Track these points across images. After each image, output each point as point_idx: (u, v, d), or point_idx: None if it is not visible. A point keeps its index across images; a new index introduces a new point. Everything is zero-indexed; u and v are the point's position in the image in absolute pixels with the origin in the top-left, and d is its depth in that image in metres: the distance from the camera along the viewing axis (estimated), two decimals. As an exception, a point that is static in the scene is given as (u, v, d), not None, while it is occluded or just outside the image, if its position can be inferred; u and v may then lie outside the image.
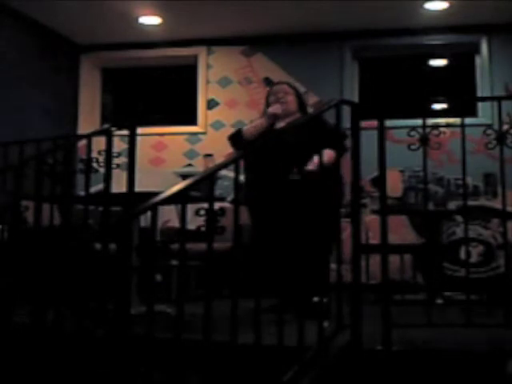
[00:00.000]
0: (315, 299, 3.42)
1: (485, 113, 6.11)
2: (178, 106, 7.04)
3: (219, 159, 5.67)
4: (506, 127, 3.02)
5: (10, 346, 2.96)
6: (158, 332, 2.25)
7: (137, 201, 2.31)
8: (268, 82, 6.54)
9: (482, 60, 6.37)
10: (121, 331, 2.18)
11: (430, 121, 3.16)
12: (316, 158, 3.40)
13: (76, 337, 2.90)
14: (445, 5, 5.87)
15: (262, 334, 2.41)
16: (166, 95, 7.06)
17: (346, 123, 3.03)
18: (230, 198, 5.44)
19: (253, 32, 6.53)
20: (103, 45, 6.85)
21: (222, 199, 4.87)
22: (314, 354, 2.59)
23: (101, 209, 3.64)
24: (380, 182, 3.00)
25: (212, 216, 2.29)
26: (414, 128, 3.00)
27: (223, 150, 5.80)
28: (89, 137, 3.47)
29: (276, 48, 6.66)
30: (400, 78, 6.70)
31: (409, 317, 3.16)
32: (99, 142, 3.46)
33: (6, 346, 2.95)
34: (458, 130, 3.17)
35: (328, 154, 3.30)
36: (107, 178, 3.41)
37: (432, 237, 5.18)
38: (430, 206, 5.98)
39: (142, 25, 6.33)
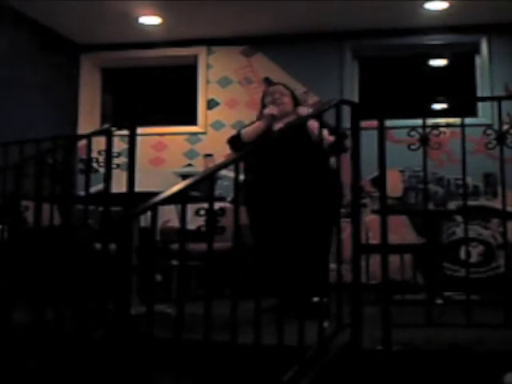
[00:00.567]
0: (315, 299, 3.42)
1: (485, 113, 6.12)
2: (178, 106, 7.04)
3: (219, 159, 5.67)
4: (505, 127, 3.02)
5: (10, 346, 2.96)
6: (158, 332, 2.25)
7: (137, 201, 2.31)
8: (268, 81, 6.54)
9: (482, 60, 6.37)
10: (120, 331, 2.18)
11: (430, 121, 3.16)
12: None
13: (76, 337, 2.90)
14: (445, 5, 5.87)
15: (262, 334, 2.41)
16: (166, 95, 7.06)
17: (346, 123, 3.03)
18: (230, 198, 5.44)
19: (253, 32, 6.53)
20: (103, 45, 6.85)
21: (221, 199, 4.87)
22: (314, 354, 2.59)
23: (101, 209, 3.64)
24: (380, 182, 3.00)
25: (212, 216, 2.29)
26: (413, 128, 3.00)
27: (223, 150, 5.78)
28: (89, 137, 3.47)
29: (276, 48, 6.66)
30: (400, 77, 6.70)
31: (409, 317, 3.16)
32: (99, 142, 3.46)
33: (6, 346, 2.95)
34: (458, 130, 3.17)
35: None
36: (107, 178, 3.41)
37: (432, 237, 5.18)
38: (430, 206, 5.98)
39: (142, 25, 6.33)
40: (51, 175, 3.32)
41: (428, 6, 5.88)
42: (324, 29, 6.44)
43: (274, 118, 3.98)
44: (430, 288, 4.47)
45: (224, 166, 2.47)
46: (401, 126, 4.06)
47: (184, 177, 5.31)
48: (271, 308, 2.91)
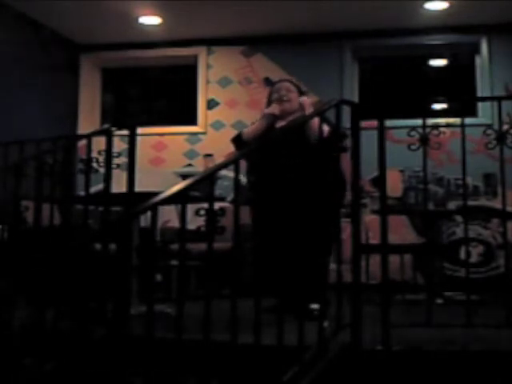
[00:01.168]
0: (314, 306, 3.42)
1: (485, 113, 6.12)
2: (178, 106, 7.04)
3: (219, 159, 5.67)
4: (505, 127, 3.02)
5: (9, 345, 2.96)
6: (158, 332, 2.25)
7: (137, 201, 2.31)
8: (268, 81, 6.54)
9: (482, 60, 6.37)
10: (120, 331, 2.18)
11: (430, 121, 3.16)
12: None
13: (76, 337, 2.90)
14: (445, 5, 5.87)
15: (261, 334, 2.41)
16: (166, 95, 7.06)
17: (346, 123, 3.03)
18: (230, 198, 5.43)
19: (253, 32, 6.53)
20: (103, 45, 6.85)
21: (222, 199, 4.87)
22: (313, 354, 2.59)
23: (101, 209, 3.64)
24: (380, 182, 3.00)
25: (212, 216, 2.29)
26: (413, 128, 3.00)
27: (223, 149, 5.81)
28: (89, 137, 3.47)
29: (276, 48, 6.66)
30: (400, 78, 6.71)
31: (409, 317, 3.16)
32: (99, 142, 3.46)
33: (6, 346, 2.95)
34: (458, 129, 3.17)
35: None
36: (107, 178, 3.41)
37: (432, 237, 5.18)
38: (430, 206, 5.98)
39: (142, 25, 6.33)
40: (51, 175, 3.32)
41: (428, 5, 5.88)
42: (324, 29, 6.44)
43: (275, 117, 3.95)
44: (430, 288, 4.46)
45: (224, 165, 2.47)
46: (401, 126, 4.06)
47: (184, 177, 5.31)
48: (271, 308, 2.91)
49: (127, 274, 3.33)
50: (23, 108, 5.96)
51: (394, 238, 3.21)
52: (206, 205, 2.32)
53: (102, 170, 3.44)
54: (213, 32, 6.57)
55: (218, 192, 4.15)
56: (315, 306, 3.41)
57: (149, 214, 2.20)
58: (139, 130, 3.79)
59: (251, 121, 4.34)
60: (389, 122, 3.10)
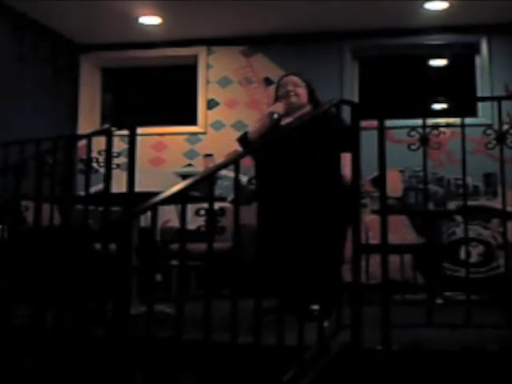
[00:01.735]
0: (314, 307, 3.41)
1: (485, 113, 6.12)
2: (178, 106, 7.04)
3: (219, 159, 5.67)
4: (505, 127, 3.02)
5: (9, 345, 2.96)
6: (158, 332, 2.25)
7: (137, 201, 2.30)
8: (268, 81, 6.54)
9: (482, 60, 6.37)
10: (120, 331, 2.18)
11: (430, 121, 3.16)
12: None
13: (76, 337, 2.90)
14: (445, 5, 5.87)
15: (261, 334, 2.41)
16: (166, 95, 7.06)
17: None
18: (230, 198, 5.43)
19: (253, 32, 6.53)
20: (103, 45, 6.85)
21: (222, 199, 4.87)
22: (314, 354, 2.59)
23: (101, 209, 3.64)
24: (380, 181, 3.00)
25: (212, 216, 2.29)
26: (413, 128, 3.00)
27: (223, 149, 5.82)
28: (89, 137, 3.47)
29: (276, 48, 6.66)
30: (400, 78, 6.70)
31: (409, 317, 3.16)
32: (99, 142, 3.46)
33: (6, 346, 2.95)
34: (458, 130, 3.17)
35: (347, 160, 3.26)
36: (107, 178, 3.41)
37: (432, 237, 5.18)
38: (430, 206, 5.98)
39: (142, 25, 6.33)
40: (51, 175, 3.32)
41: (428, 5, 5.88)
42: (324, 29, 6.44)
43: (278, 116, 3.81)
44: (430, 288, 4.47)
45: (224, 165, 2.47)
46: (401, 126, 4.06)
47: (184, 177, 5.31)
48: (272, 309, 2.90)
49: (127, 274, 3.33)
50: (23, 108, 5.95)
51: (394, 238, 3.21)
52: (206, 205, 2.32)
53: (102, 170, 3.44)
54: (213, 32, 6.57)
55: (218, 192, 4.15)
56: (316, 307, 3.40)
57: (149, 214, 2.20)
58: (139, 130, 3.78)
59: (251, 121, 4.33)
60: (389, 122, 3.10)
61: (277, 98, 3.99)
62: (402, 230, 5.96)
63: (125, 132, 3.61)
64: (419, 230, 6.04)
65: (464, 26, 6.27)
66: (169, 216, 5.31)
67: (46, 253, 3.32)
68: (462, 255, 5.98)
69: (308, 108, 3.93)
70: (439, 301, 4.75)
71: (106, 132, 3.47)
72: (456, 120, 5.38)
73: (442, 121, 5.51)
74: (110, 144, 3.42)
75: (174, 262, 4.81)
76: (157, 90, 7.11)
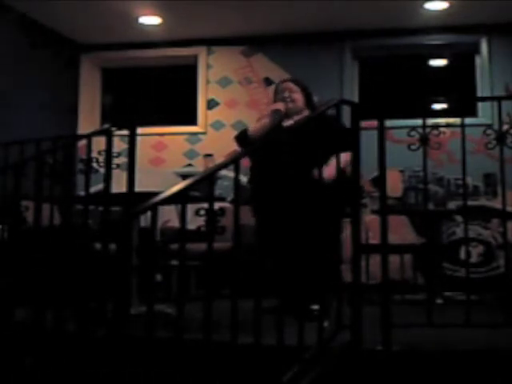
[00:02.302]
0: (314, 307, 3.40)
1: (485, 113, 6.12)
2: (178, 106, 7.04)
3: (219, 159, 5.67)
4: (505, 127, 3.02)
5: (10, 345, 2.96)
6: (158, 332, 2.25)
7: (137, 201, 2.30)
8: (268, 81, 6.54)
9: (482, 60, 6.37)
10: (120, 331, 2.18)
11: (430, 121, 3.16)
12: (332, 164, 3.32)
13: (76, 336, 2.90)
14: (445, 5, 5.87)
15: (262, 334, 2.41)
16: (166, 95, 7.06)
17: (347, 123, 3.03)
18: (230, 198, 5.43)
19: (253, 32, 6.53)
20: (103, 45, 6.85)
21: (222, 199, 4.87)
22: (313, 354, 2.59)
23: (101, 209, 3.64)
24: (380, 181, 3.00)
25: (212, 216, 2.29)
26: (414, 128, 3.00)
27: (223, 149, 5.82)
28: (89, 137, 3.47)
29: (276, 48, 6.66)
30: (400, 77, 6.70)
31: (409, 317, 3.16)
32: (99, 142, 3.46)
33: (6, 346, 2.95)
34: (458, 129, 3.17)
35: (344, 157, 3.25)
36: (107, 178, 3.41)
37: (432, 237, 5.18)
38: (430, 206, 5.98)
39: (142, 25, 6.33)
40: (51, 175, 3.32)
41: (428, 5, 5.88)
42: (324, 29, 6.44)
43: (280, 114, 3.88)
44: (430, 288, 4.47)
45: (224, 165, 2.47)
46: (401, 126, 4.05)
47: (184, 177, 5.31)
48: (272, 309, 2.91)
49: (127, 274, 3.33)
50: (23, 108, 5.95)
51: (394, 238, 3.21)
52: (206, 205, 2.32)
53: (102, 170, 3.44)
54: (213, 32, 6.57)
55: (217, 192, 4.15)
56: (316, 307, 3.40)
57: (149, 214, 2.20)
58: (139, 130, 3.78)
59: (251, 121, 4.33)
60: (389, 122, 3.10)
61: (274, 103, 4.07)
62: (401, 230, 5.96)
63: (125, 132, 3.61)
64: (419, 230, 6.04)
65: (464, 25, 6.26)
66: (169, 216, 5.30)
67: (46, 253, 3.32)
68: (462, 255, 5.98)
69: (305, 113, 3.97)
70: (439, 301, 4.75)
71: (106, 132, 3.47)
72: (456, 120, 5.38)
73: (441, 121, 5.51)
74: (110, 144, 3.42)
75: (174, 262, 4.81)
76: (157, 89, 7.11)
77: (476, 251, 6.02)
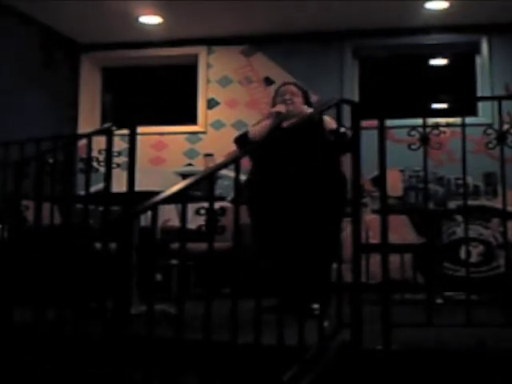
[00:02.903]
0: (315, 306, 3.41)
1: (485, 112, 6.12)
2: (179, 106, 7.04)
3: (219, 159, 5.67)
4: (506, 127, 3.02)
5: (10, 345, 2.96)
6: (158, 331, 2.25)
7: (137, 200, 2.30)
8: (268, 81, 6.54)
9: (482, 60, 6.37)
10: (120, 331, 2.18)
11: (431, 120, 3.15)
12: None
13: (76, 336, 2.90)
14: (445, 5, 5.87)
15: (262, 334, 2.40)
16: (167, 95, 7.06)
17: (347, 123, 3.03)
18: (230, 197, 5.43)
19: (253, 32, 6.53)
20: (103, 44, 6.85)
21: (222, 199, 4.87)
22: (314, 354, 2.59)
23: (101, 208, 3.64)
24: (380, 181, 3.00)
25: (212, 215, 2.29)
26: (414, 128, 2.99)
27: (223, 149, 5.82)
28: (89, 136, 3.47)
29: (276, 48, 6.66)
30: (400, 77, 6.70)
31: (409, 317, 3.16)
32: (99, 142, 3.46)
33: (6, 345, 2.95)
34: (459, 129, 3.17)
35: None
36: (107, 178, 3.41)
37: (432, 236, 5.18)
38: (431, 206, 5.98)
39: (143, 24, 6.33)
40: (51, 175, 3.32)
41: (428, 5, 5.88)
42: (324, 28, 6.44)
43: (281, 116, 3.87)
44: (430, 288, 4.47)
45: (224, 165, 2.47)
46: (401, 125, 4.06)
47: (184, 176, 5.31)
48: (271, 308, 2.91)
49: (127, 274, 3.33)
50: (23, 108, 5.95)
51: (394, 238, 3.21)
52: (206, 204, 2.32)
53: (102, 170, 3.44)
54: (213, 32, 6.57)
55: (218, 191, 4.15)
56: (316, 306, 3.40)
57: (149, 213, 2.20)
58: (139, 130, 3.78)
59: (251, 120, 4.33)
60: (389, 122, 3.10)
61: (274, 106, 4.06)
62: (402, 230, 5.96)
63: (125, 131, 3.61)
64: (419, 230, 6.04)
65: (464, 25, 6.26)
66: (169, 215, 5.31)
67: (46, 252, 3.32)
68: (462, 255, 5.98)
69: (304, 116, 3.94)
70: (439, 301, 4.75)
71: (106, 131, 3.47)
72: (456, 120, 5.39)
73: (442, 120, 5.50)
74: (110, 143, 3.42)
75: (174, 262, 4.81)
76: (157, 89, 7.11)
77: (476, 251, 6.02)
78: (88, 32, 6.58)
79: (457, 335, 2.93)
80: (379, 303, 2.84)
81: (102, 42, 6.83)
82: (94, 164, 3.42)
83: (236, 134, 4.28)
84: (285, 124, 3.91)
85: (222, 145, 6.08)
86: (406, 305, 4.36)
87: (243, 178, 3.93)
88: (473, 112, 6.24)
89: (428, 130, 2.99)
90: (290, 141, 2.86)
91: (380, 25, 6.30)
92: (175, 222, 5.23)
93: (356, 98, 6.41)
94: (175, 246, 4.85)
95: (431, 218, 5.30)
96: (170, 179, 5.53)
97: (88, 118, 6.93)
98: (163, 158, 6.74)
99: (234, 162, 2.46)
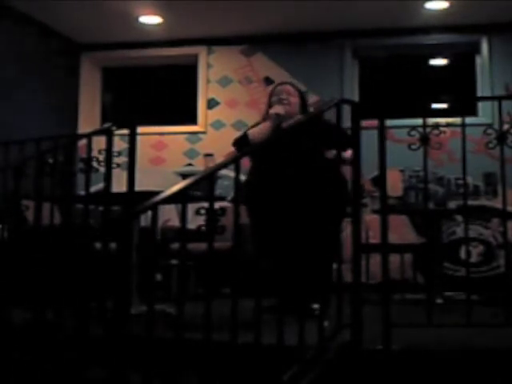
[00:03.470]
0: (315, 306, 3.41)
1: (485, 112, 6.12)
2: (179, 106, 7.04)
3: (219, 159, 5.67)
4: (506, 127, 3.02)
5: (9, 344, 2.96)
6: (158, 331, 2.25)
7: (137, 200, 2.30)
8: (268, 81, 6.54)
9: (482, 60, 6.37)
10: (120, 331, 2.18)
11: (431, 120, 3.15)
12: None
13: (76, 336, 2.90)
14: (445, 5, 5.87)
15: (262, 334, 2.40)
16: (167, 95, 7.06)
17: (347, 123, 3.03)
18: (230, 197, 5.43)
19: (253, 32, 6.53)
20: (104, 44, 6.85)
21: (222, 198, 4.87)
22: (314, 354, 2.59)
23: (101, 208, 3.64)
24: (380, 181, 3.00)
25: (212, 215, 2.29)
26: (414, 128, 2.99)
27: (223, 149, 5.81)
28: (89, 136, 3.47)
29: (276, 47, 6.66)
30: (400, 77, 6.70)
31: (409, 317, 3.16)
32: (99, 142, 3.46)
33: (6, 345, 2.95)
34: (459, 129, 3.17)
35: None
36: (107, 178, 3.41)
37: (432, 236, 5.18)
38: (431, 206, 5.98)
39: (143, 24, 6.33)
40: (51, 175, 3.31)
41: (428, 5, 5.88)
42: (324, 28, 6.44)
43: (280, 118, 3.81)
44: (430, 287, 4.47)
45: (224, 165, 2.47)
46: (401, 125, 4.06)
47: (184, 176, 5.31)
48: (271, 308, 2.91)
49: (127, 274, 3.33)
50: (23, 108, 5.95)
51: (394, 238, 3.22)
52: (206, 204, 2.32)
53: (102, 170, 3.44)
54: (213, 31, 6.57)
55: (218, 191, 4.14)
56: (316, 306, 3.40)
57: (149, 213, 2.19)
58: (139, 130, 3.78)
59: (251, 120, 4.31)
60: (389, 122, 3.10)
61: (270, 105, 3.99)
62: (402, 230, 5.96)
63: (125, 131, 3.61)
64: (419, 230, 6.04)
65: (464, 25, 6.27)
66: (169, 215, 5.31)
67: (46, 252, 3.32)
68: (463, 255, 5.98)
69: (300, 117, 3.88)
70: (439, 301, 4.75)
71: (106, 131, 3.47)
72: (456, 120, 5.39)
73: (442, 120, 5.50)
74: (110, 143, 3.42)
75: (174, 262, 4.82)
76: (157, 89, 7.11)
77: (476, 251, 6.02)
78: (88, 32, 6.58)
79: (457, 335, 2.93)
80: (379, 303, 2.84)
81: (102, 42, 6.83)
82: (94, 164, 3.42)
83: (236, 134, 4.27)
84: (284, 125, 3.90)
85: (222, 145, 6.07)
86: (406, 305, 4.36)
87: (243, 178, 3.94)
88: (473, 112, 6.24)
89: (428, 130, 2.99)
90: (289, 142, 2.86)
91: (380, 25, 6.30)
92: (175, 222, 5.23)
93: (356, 98, 6.41)
94: (175, 246, 4.86)
95: (431, 218, 5.29)
96: (170, 179, 5.53)
97: (88, 118, 6.93)
98: (163, 157, 6.74)
99: (233, 161, 2.46)
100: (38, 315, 3.01)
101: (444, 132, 3.21)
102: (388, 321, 2.80)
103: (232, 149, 4.22)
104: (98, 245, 3.63)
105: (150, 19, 6.24)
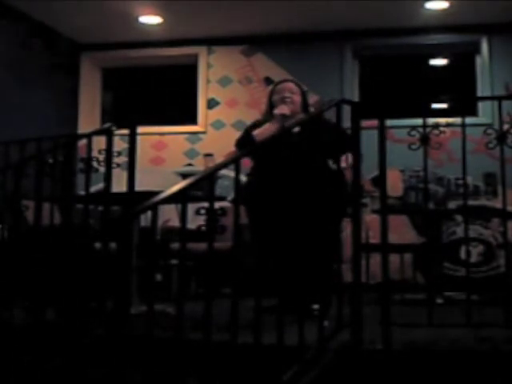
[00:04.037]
0: (315, 307, 3.40)
1: (485, 112, 6.12)
2: (179, 106, 7.04)
3: (219, 159, 5.66)
4: (506, 127, 3.02)
5: (10, 345, 2.96)
6: (158, 331, 2.25)
7: (137, 200, 2.30)
8: (269, 81, 6.54)
9: (482, 60, 6.37)
10: (120, 331, 2.18)
11: (431, 120, 3.16)
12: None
13: (76, 336, 2.90)
14: (445, 5, 5.87)
15: (262, 334, 2.40)
16: (167, 95, 7.06)
17: (347, 122, 3.03)
18: (231, 197, 5.43)
19: (253, 31, 6.53)
20: (103, 44, 6.85)
21: (222, 198, 4.86)
22: (314, 354, 2.59)
23: (101, 208, 3.63)
24: (380, 181, 3.00)
25: (212, 215, 2.29)
26: (414, 127, 3.00)
27: (223, 149, 5.82)
28: (89, 136, 3.47)
29: (276, 47, 6.66)
30: (400, 77, 6.70)
31: (409, 317, 3.16)
32: (99, 142, 3.46)
33: (6, 345, 2.95)
34: (459, 129, 3.18)
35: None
36: (107, 178, 3.41)
37: (432, 236, 5.18)
38: (431, 206, 5.98)
39: (143, 24, 6.33)
40: (51, 174, 3.32)
41: (428, 5, 5.88)
42: (324, 29, 6.44)
43: (285, 118, 3.69)
44: (430, 287, 4.46)
45: (224, 165, 2.47)
46: (401, 125, 4.06)
47: (184, 176, 5.30)
48: (271, 308, 2.91)
49: (127, 274, 3.33)
50: (23, 108, 5.95)
51: (394, 238, 3.21)
52: (206, 204, 2.32)
53: (102, 170, 3.44)
54: (213, 31, 6.57)
55: (218, 191, 4.14)
56: (316, 306, 3.40)
57: (149, 213, 2.19)
58: (139, 130, 3.78)
59: (251, 120, 4.28)
60: (389, 122, 3.10)
61: (271, 104, 3.88)
62: (402, 230, 5.96)
63: (125, 131, 3.61)
64: (419, 230, 6.04)
65: (464, 25, 6.26)
66: (169, 215, 5.31)
67: (46, 252, 3.32)
68: (463, 255, 5.98)
69: (301, 116, 3.82)
70: (439, 301, 4.75)
71: (106, 131, 3.47)
72: (456, 119, 5.38)
73: (442, 120, 5.50)
74: (110, 143, 3.42)
75: (174, 262, 4.82)
76: (157, 89, 7.10)
77: (476, 251, 6.02)
78: (88, 32, 6.58)
79: (457, 335, 2.93)
80: (379, 303, 2.84)
81: (101, 42, 6.83)
82: (94, 164, 3.42)
83: (236, 134, 4.25)
84: (286, 125, 3.86)
85: (222, 145, 6.07)
86: (406, 305, 4.36)
87: (243, 178, 3.94)
88: (473, 112, 6.24)
89: (428, 129, 2.99)
90: (290, 142, 2.86)
91: (380, 25, 6.30)
92: (175, 222, 5.23)
93: (356, 97, 6.41)
94: (175, 246, 4.86)
95: (431, 218, 5.29)
96: (170, 179, 5.53)
97: (88, 117, 6.93)
98: (163, 157, 6.74)
99: (234, 161, 2.46)
100: (38, 315, 3.01)
101: (444, 132, 3.21)
102: (388, 321, 2.80)
103: (232, 149, 4.21)
104: (97, 245, 3.63)
105: (150, 19, 6.23)
